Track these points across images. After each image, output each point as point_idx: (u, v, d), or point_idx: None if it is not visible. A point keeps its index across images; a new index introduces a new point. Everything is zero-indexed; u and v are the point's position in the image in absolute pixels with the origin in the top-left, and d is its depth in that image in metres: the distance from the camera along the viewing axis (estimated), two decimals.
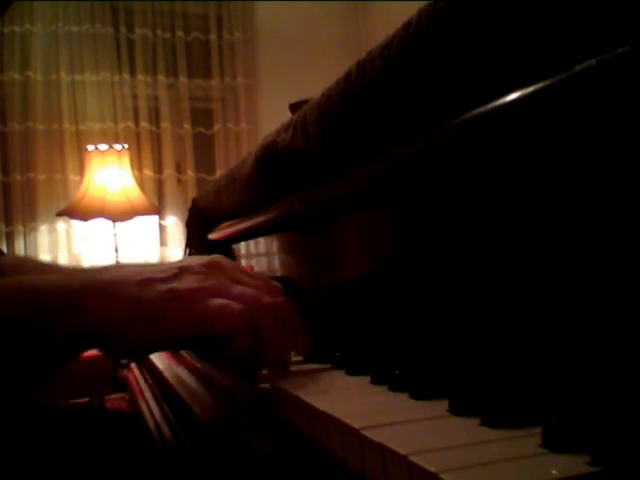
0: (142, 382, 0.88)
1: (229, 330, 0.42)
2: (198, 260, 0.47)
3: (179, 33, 2.92)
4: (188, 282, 0.43)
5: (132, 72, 2.84)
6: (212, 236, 1.19)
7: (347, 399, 0.36)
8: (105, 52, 2.79)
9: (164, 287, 0.42)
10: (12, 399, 0.47)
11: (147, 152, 2.86)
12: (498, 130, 0.41)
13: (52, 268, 0.69)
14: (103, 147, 2.49)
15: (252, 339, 0.42)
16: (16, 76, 2.65)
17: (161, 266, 0.45)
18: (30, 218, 2.68)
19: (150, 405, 0.73)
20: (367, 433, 0.28)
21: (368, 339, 0.55)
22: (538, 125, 0.38)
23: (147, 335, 0.42)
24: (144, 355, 0.47)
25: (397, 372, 0.38)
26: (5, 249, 2.65)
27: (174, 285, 0.43)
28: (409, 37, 0.47)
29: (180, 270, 0.44)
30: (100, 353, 0.48)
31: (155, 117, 2.91)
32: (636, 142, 0.32)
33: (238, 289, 0.44)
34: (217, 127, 3.00)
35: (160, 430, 0.63)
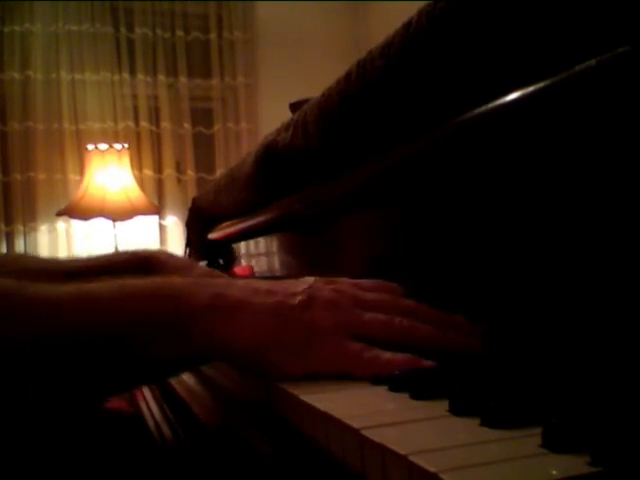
0: None
1: (367, 375, 0.40)
2: (322, 284, 0.45)
3: (179, 33, 2.91)
4: (324, 315, 0.42)
5: (132, 72, 2.84)
6: (212, 236, 1.19)
7: (347, 399, 0.36)
8: (105, 52, 2.79)
9: (305, 318, 0.42)
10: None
11: (147, 152, 2.86)
12: (498, 130, 0.41)
13: (51, 262, 0.70)
14: (103, 147, 2.48)
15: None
16: (16, 76, 2.65)
17: (286, 287, 0.44)
18: (30, 218, 2.68)
19: (150, 405, 0.73)
20: (367, 433, 0.28)
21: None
22: (538, 125, 0.38)
23: (287, 367, 0.41)
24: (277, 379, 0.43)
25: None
26: (5, 249, 2.65)
27: (313, 318, 0.42)
28: (409, 37, 0.47)
29: (309, 297, 0.43)
30: None
31: (155, 117, 2.91)
32: (636, 142, 0.32)
33: (368, 317, 0.43)
34: (217, 127, 3.00)
35: (160, 430, 0.63)
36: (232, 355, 0.42)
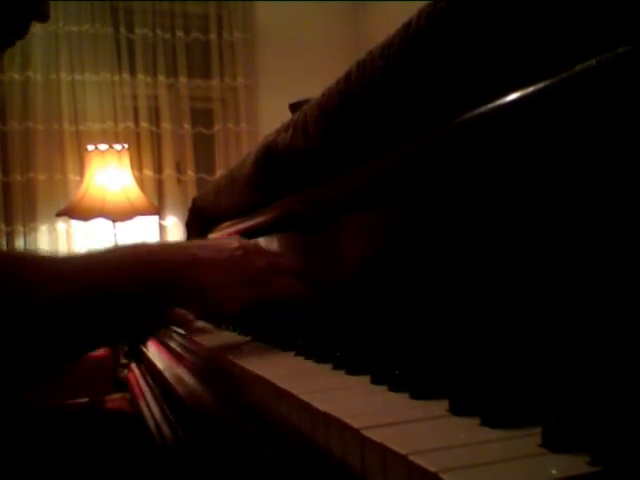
0: (142, 382, 0.88)
1: (296, 295, 0.65)
2: (245, 241, 0.67)
3: (179, 33, 2.91)
4: (257, 260, 0.62)
5: (132, 72, 2.84)
6: (212, 236, 1.19)
7: (347, 399, 0.36)
8: (105, 52, 2.79)
9: (247, 262, 0.61)
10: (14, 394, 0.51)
11: (147, 152, 2.86)
12: (498, 130, 0.41)
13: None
14: (103, 147, 2.48)
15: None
16: (16, 76, 2.65)
17: (227, 244, 0.63)
18: (30, 218, 2.67)
19: (150, 405, 0.73)
20: (367, 433, 0.28)
21: (368, 339, 0.55)
22: (538, 125, 0.38)
23: (248, 295, 0.61)
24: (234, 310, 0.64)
25: (397, 372, 0.38)
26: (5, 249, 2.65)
27: (253, 262, 0.62)
28: (409, 37, 0.47)
29: (244, 250, 0.62)
30: (103, 353, 0.66)
31: (155, 117, 2.91)
32: (636, 142, 0.32)
33: (282, 260, 0.68)
34: (217, 127, 3.00)
35: (160, 430, 0.63)
36: (206, 295, 0.59)
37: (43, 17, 0.59)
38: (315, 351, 0.49)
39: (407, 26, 0.47)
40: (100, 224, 2.58)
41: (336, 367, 0.45)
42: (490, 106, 0.40)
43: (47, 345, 0.50)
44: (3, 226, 2.65)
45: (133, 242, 0.63)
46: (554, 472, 0.23)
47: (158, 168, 2.90)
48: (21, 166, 2.66)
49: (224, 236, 1.12)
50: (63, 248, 2.71)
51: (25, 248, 2.65)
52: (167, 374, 0.72)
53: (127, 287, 0.54)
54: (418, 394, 0.34)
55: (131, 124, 2.83)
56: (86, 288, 0.52)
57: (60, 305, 0.50)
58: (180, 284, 0.57)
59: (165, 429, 0.62)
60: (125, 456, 0.61)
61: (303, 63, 2.96)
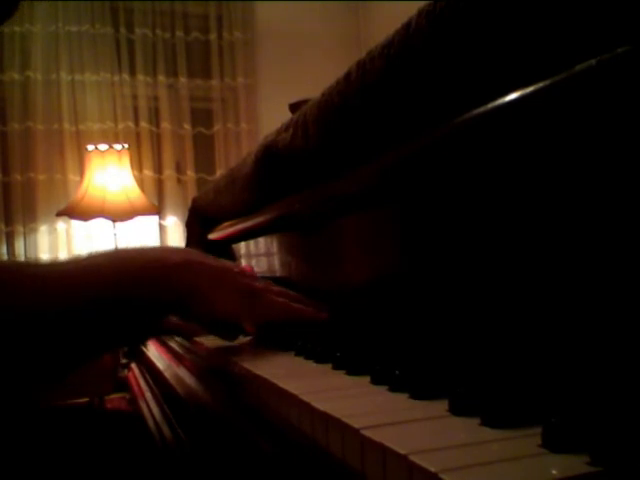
0: (142, 382, 0.88)
1: (296, 319, 0.59)
2: (237, 266, 0.63)
3: (179, 33, 2.91)
4: (254, 282, 0.59)
5: (132, 72, 2.84)
6: (212, 236, 1.19)
7: (347, 399, 0.36)
8: (105, 52, 2.79)
9: (244, 282, 0.57)
10: (13, 397, 0.49)
11: (147, 152, 2.86)
12: (499, 130, 0.41)
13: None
14: (103, 147, 2.48)
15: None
16: (16, 76, 2.65)
17: (224, 261, 0.60)
18: (30, 218, 2.67)
19: (150, 405, 0.73)
20: (367, 433, 0.28)
21: (368, 339, 0.55)
22: (538, 125, 0.38)
23: (241, 308, 0.56)
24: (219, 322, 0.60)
25: (397, 372, 0.38)
26: (5, 249, 2.65)
27: (250, 283, 0.58)
28: (409, 37, 0.47)
29: (241, 270, 0.60)
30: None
31: (155, 117, 2.91)
32: (636, 142, 0.32)
33: (277, 289, 0.62)
34: (217, 127, 3.00)
35: (160, 430, 0.63)
36: (195, 300, 0.54)
37: None
38: (315, 351, 0.49)
39: (407, 26, 0.47)
40: (100, 224, 2.58)
41: (336, 367, 0.45)
42: (490, 106, 0.40)
43: (35, 356, 0.47)
44: (3, 226, 2.65)
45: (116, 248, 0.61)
46: (554, 472, 0.23)
47: (158, 168, 2.90)
48: (21, 166, 2.66)
49: (223, 237, 1.12)
50: (63, 248, 2.71)
51: (24, 248, 2.66)
52: (167, 374, 0.72)
53: (114, 290, 0.50)
54: (418, 394, 0.34)
55: (131, 124, 2.84)
56: (72, 294, 0.48)
57: (44, 313, 0.46)
58: (172, 285, 0.53)
59: (165, 429, 0.62)
60: (125, 456, 0.61)
61: (303, 63, 2.96)
